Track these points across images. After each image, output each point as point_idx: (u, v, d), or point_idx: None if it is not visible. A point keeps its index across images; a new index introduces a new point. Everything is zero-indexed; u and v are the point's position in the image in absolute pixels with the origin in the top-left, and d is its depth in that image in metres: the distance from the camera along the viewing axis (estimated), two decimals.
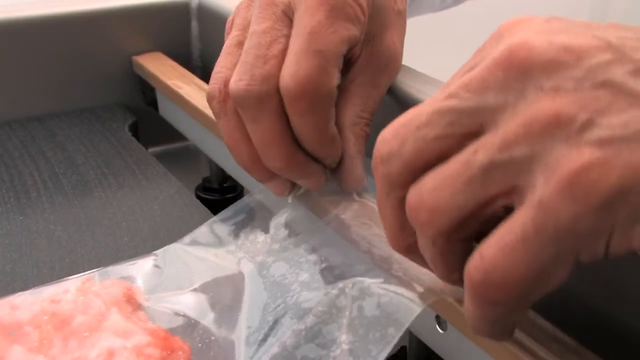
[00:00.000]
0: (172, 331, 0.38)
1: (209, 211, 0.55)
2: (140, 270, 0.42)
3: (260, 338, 0.37)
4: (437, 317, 0.36)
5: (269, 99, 0.40)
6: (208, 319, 0.39)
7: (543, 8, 0.76)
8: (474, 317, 0.28)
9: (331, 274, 0.37)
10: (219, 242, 0.43)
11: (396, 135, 0.29)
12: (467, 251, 0.28)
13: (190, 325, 0.38)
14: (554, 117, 0.25)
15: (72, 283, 0.40)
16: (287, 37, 0.40)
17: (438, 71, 0.47)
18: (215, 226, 0.44)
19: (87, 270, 0.43)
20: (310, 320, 0.36)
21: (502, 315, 0.27)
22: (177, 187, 0.57)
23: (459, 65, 0.30)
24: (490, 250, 0.26)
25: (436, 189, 0.28)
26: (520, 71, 0.26)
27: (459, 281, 0.29)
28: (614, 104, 0.25)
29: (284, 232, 0.42)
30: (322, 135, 0.40)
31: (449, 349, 0.36)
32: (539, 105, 0.26)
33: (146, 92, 0.72)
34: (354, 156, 0.42)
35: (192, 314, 0.39)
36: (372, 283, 0.35)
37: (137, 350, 0.36)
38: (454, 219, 0.27)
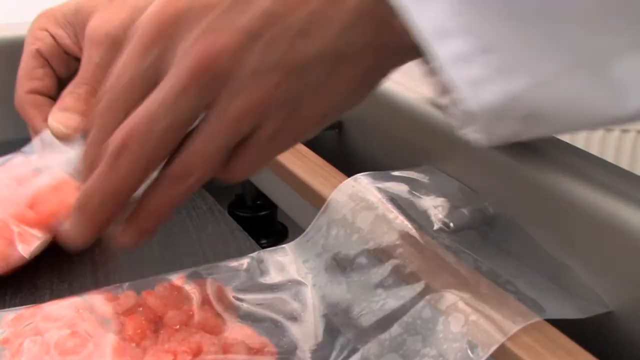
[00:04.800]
0: (259, 331, 0.40)
1: (241, 228, 0.56)
2: (232, 272, 0.43)
3: (343, 343, 0.39)
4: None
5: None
6: (295, 321, 0.41)
7: None
8: None
9: (417, 282, 0.39)
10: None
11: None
12: None
13: (277, 327, 0.40)
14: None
15: (167, 280, 0.42)
16: None
17: None
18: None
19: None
20: (394, 330, 0.38)
21: None
22: (211, 203, 0.58)
23: None
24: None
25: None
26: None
27: None
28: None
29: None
30: None
31: None
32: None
33: None
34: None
35: (280, 316, 0.41)
36: (461, 299, 0.37)
37: (225, 347, 0.38)
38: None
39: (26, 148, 0.59)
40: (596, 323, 0.38)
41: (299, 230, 0.48)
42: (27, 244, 0.47)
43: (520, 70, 0.32)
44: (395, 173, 0.48)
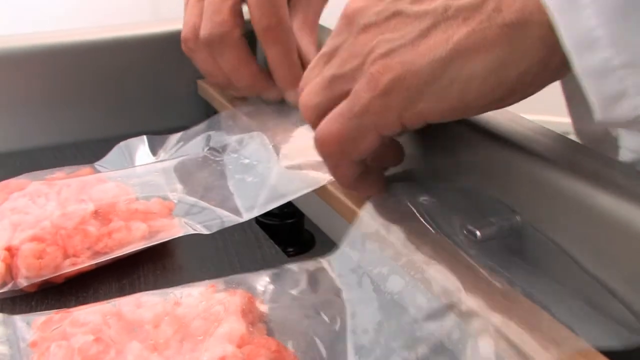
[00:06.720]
0: (287, 345, 0.39)
1: (267, 236, 0.56)
2: (264, 282, 0.43)
3: None
4: None
5: (227, 38, 0.60)
6: (324, 336, 0.40)
7: None
8: (328, 170, 0.44)
9: (448, 302, 0.38)
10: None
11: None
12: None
13: (305, 342, 0.39)
14: (365, 45, 0.39)
15: (197, 288, 0.41)
16: None
17: None
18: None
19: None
20: (422, 350, 0.37)
21: (335, 164, 0.43)
22: None
23: None
24: (323, 121, 0.42)
25: (308, 93, 0.43)
26: (348, 18, 0.41)
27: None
28: (398, 25, 0.38)
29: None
30: (288, 59, 0.61)
31: None
32: (359, 38, 0.40)
33: (210, 116, 0.73)
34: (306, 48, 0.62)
35: (309, 330, 0.40)
36: (491, 322, 0.35)
37: None
38: (315, 110, 0.42)
39: (100, 162, 0.62)
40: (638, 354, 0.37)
41: (326, 239, 0.48)
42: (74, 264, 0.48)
43: None
44: (427, 184, 0.48)
